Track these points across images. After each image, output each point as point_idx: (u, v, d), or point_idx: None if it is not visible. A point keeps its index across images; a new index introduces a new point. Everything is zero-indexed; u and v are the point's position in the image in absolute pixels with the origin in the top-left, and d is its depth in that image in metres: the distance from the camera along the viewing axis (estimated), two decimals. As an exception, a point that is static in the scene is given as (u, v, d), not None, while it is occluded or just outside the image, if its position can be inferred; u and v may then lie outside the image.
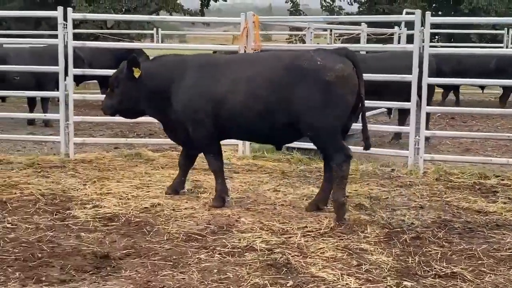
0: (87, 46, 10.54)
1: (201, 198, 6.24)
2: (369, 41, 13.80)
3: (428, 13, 7.59)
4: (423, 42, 7.70)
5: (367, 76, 8.11)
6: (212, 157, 6.08)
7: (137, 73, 6.04)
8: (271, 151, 8.59)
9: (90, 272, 4.22)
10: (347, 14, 27.35)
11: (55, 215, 5.56)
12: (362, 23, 12.87)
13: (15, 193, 6.23)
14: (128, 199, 6.13)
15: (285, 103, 5.53)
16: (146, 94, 6.10)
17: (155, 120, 6.71)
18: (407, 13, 16.17)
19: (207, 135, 5.95)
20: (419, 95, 7.74)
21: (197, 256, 4.54)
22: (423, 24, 7.66)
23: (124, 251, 4.64)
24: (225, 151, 8.59)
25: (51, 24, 22.77)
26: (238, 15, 8.61)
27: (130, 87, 6.12)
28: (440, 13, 22.66)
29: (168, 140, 7.04)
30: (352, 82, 5.51)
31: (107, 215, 5.57)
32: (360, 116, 5.74)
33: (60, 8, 8.29)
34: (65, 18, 8.25)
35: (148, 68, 6.12)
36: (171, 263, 4.40)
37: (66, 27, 8.28)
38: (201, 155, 6.37)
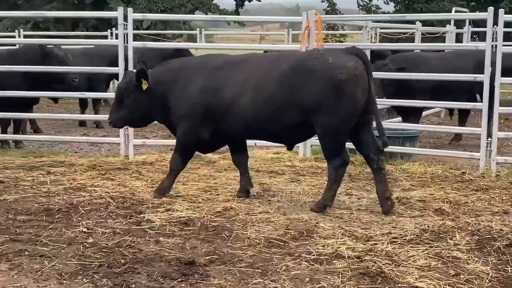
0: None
1: (272, 202, 6.09)
2: (423, 39, 13.49)
3: (501, 11, 7.31)
4: (494, 40, 7.41)
5: (436, 76, 7.94)
6: (181, 160, 6.19)
7: (145, 86, 6.04)
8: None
9: (178, 280, 4.08)
10: (384, 13, 26.95)
11: (129, 218, 5.46)
12: (417, 22, 12.58)
13: (84, 196, 6.16)
14: (199, 202, 6.00)
15: (297, 102, 5.57)
16: (157, 102, 6.09)
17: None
18: (456, 11, 15.88)
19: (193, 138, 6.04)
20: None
21: (284, 264, 4.38)
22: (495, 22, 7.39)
23: (207, 257, 4.49)
24: (284, 153, 8.54)
25: (88, 25, 23.16)
26: (266, 14, 8.47)
27: (141, 98, 6.10)
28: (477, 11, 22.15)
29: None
30: (363, 80, 5.55)
31: (182, 219, 5.44)
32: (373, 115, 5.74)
33: (121, 9, 8.23)
34: (125, 19, 8.20)
35: (156, 76, 6.11)
36: (260, 271, 4.24)
37: (127, 28, 8.21)
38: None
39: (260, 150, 8.64)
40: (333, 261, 4.43)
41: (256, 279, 4.11)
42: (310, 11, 8.33)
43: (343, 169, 5.73)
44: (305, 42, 8.32)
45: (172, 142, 8.68)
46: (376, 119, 5.75)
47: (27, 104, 9.17)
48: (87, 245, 4.73)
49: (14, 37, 17.96)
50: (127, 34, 8.20)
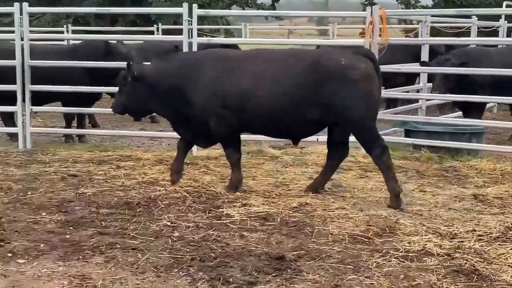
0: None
1: (347, 198, 6.09)
2: (479, 34, 13.29)
3: None
4: None
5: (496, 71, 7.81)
6: (232, 150, 6.31)
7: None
8: (395, 148, 8.36)
9: (273, 274, 4.12)
10: (423, 7, 26.59)
11: (209, 213, 5.52)
12: (473, 16, 12.40)
13: (160, 190, 6.24)
14: (273, 197, 6.03)
15: (311, 100, 5.75)
16: (157, 94, 6.20)
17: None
18: (507, 6, 15.61)
19: (228, 131, 6.15)
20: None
21: (373, 260, 4.38)
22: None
23: (295, 253, 4.52)
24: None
25: (126, 20, 23.24)
26: (295, 8, 8.50)
27: (138, 88, 6.24)
28: None
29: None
30: (375, 79, 5.80)
31: (260, 214, 5.48)
32: None
33: (186, 4, 8.29)
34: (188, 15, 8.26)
35: (161, 68, 6.25)
36: (351, 267, 4.25)
37: (191, 23, 8.28)
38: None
39: (321, 146, 8.63)
40: (423, 258, 4.42)
41: (349, 275, 4.12)
42: (374, 6, 8.27)
43: (386, 155, 5.87)
44: (369, 37, 8.28)
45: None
46: None
47: (91, 100, 9.32)
48: (175, 239, 4.80)
49: (62, 32, 18.28)
50: (191, 30, 8.27)
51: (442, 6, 24.61)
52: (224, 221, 5.28)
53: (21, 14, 8.61)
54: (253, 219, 5.34)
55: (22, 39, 8.62)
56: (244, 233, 4.98)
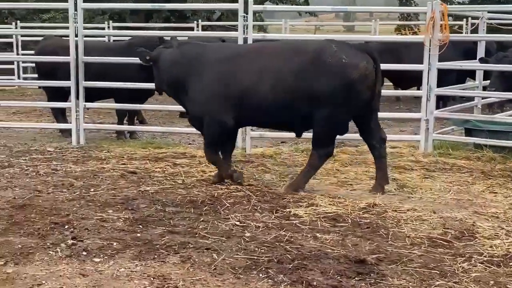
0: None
1: (415, 199, 5.93)
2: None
3: None
4: None
5: None
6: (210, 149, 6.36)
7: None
8: (455, 147, 8.16)
9: (356, 278, 3.98)
10: (459, 3, 26.13)
11: (276, 212, 5.39)
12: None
13: (222, 189, 6.14)
14: (339, 198, 5.89)
15: (306, 95, 5.77)
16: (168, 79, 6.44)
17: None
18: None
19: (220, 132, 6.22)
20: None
21: (458, 265, 4.21)
22: None
23: (374, 256, 4.37)
24: (400, 147, 8.34)
25: (161, 16, 23.17)
26: (319, 4, 8.27)
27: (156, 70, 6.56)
28: None
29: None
30: (371, 79, 5.78)
31: (329, 214, 5.34)
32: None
33: (241, 1, 8.18)
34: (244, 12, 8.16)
35: (169, 54, 6.41)
36: (437, 272, 4.09)
37: (247, 19, 8.17)
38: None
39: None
40: (510, 263, 4.23)
41: (437, 280, 3.96)
42: (435, 1, 8.05)
43: (325, 159, 6.09)
44: (429, 32, 8.06)
45: (288, 135, 8.62)
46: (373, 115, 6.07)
47: (144, 96, 9.27)
48: (247, 239, 4.69)
49: (103, 28, 18.32)
50: (247, 26, 8.16)
51: (479, 2, 24.03)
52: (294, 222, 5.15)
53: (75, 10, 8.59)
54: (323, 220, 5.20)
55: (76, 35, 8.61)
56: (317, 234, 4.84)
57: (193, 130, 9.50)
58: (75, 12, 8.59)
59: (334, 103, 5.76)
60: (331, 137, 6.01)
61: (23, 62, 17.45)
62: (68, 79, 8.70)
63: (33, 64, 17.55)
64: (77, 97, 8.67)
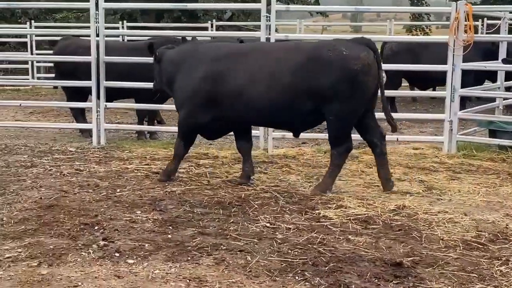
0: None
1: (445, 201, 5.88)
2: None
3: None
4: None
5: None
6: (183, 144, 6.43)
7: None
8: (479, 149, 8.09)
9: (394, 282, 3.93)
10: (475, 4, 25.83)
11: (305, 214, 5.35)
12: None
13: (248, 190, 6.10)
14: (367, 199, 5.83)
15: (311, 90, 5.75)
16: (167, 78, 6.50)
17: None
18: None
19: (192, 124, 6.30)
20: None
21: (496, 268, 4.15)
22: None
23: (409, 259, 4.31)
24: (423, 148, 8.27)
25: (172, 16, 23.09)
26: (326, 4, 8.20)
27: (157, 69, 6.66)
28: None
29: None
30: (374, 69, 5.80)
31: (359, 216, 5.28)
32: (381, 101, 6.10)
33: (264, 1, 8.14)
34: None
35: (169, 54, 6.50)
36: (475, 275, 4.03)
37: (269, 19, 8.12)
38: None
39: (400, 146, 8.42)
40: (549, 267, 4.17)
41: (476, 284, 3.91)
42: (459, 2, 7.98)
43: (346, 155, 6.05)
44: (453, 33, 8.00)
45: (310, 135, 8.57)
46: (383, 105, 6.09)
47: (165, 96, 9.23)
48: (279, 241, 4.64)
49: (117, 28, 18.31)
50: (269, 26, 8.12)
51: (491, 2, 23.78)
52: (324, 224, 5.10)
53: (96, 9, 8.57)
54: (353, 222, 5.15)
55: (97, 35, 8.59)
56: (349, 236, 4.79)
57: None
58: (97, 12, 8.57)
59: (342, 97, 5.74)
60: (346, 133, 5.96)
61: (38, 61, 17.56)
62: (88, 79, 8.69)
63: (47, 64, 17.82)
64: (98, 97, 8.65)
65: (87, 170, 6.96)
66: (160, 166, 7.17)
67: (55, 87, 11.80)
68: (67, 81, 9.14)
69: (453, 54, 8.08)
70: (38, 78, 17.03)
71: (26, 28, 17.72)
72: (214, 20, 19.77)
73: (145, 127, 9.25)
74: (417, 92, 12.47)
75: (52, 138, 9.34)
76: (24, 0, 11.29)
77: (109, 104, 8.85)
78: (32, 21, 18.51)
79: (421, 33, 25.86)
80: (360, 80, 5.72)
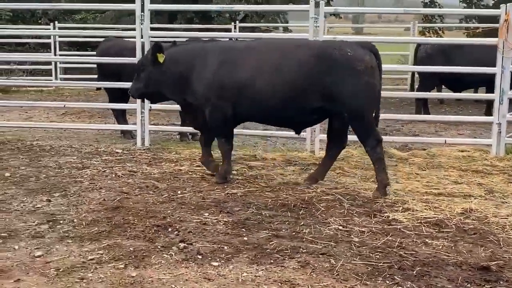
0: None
1: (510, 203, 5.81)
2: None
3: None
4: None
5: None
6: (224, 141, 6.46)
7: (161, 58, 6.45)
8: (528, 153, 8.02)
9: (486, 286, 3.89)
10: (485, 6, 25.68)
11: (374, 217, 5.31)
12: None
13: (310, 192, 6.07)
14: (431, 202, 5.78)
15: (316, 89, 5.90)
16: (169, 79, 6.46)
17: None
18: None
19: (223, 120, 6.30)
20: None
21: None
22: None
23: (493, 262, 4.27)
24: (469, 151, 8.21)
25: (186, 17, 23.02)
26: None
27: (154, 72, 6.50)
28: None
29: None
30: (376, 73, 5.97)
31: (429, 219, 5.24)
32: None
33: (312, 2, 8.11)
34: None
35: (172, 54, 6.48)
36: None
37: (317, 21, 8.09)
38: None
39: (448, 148, 8.37)
40: None
41: None
42: (509, 4, 7.92)
43: (380, 147, 6.07)
44: (503, 36, 7.94)
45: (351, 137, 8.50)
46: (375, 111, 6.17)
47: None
48: (357, 244, 4.61)
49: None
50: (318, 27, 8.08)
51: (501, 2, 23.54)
52: (397, 227, 5.06)
53: (142, 11, 8.57)
54: (425, 225, 5.10)
55: (142, 37, 8.59)
56: (426, 240, 4.75)
57: (254, 131, 9.54)
58: (142, 14, 8.57)
59: (350, 96, 5.89)
60: (369, 127, 6.05)
61: (61, 62, 17.64)
62: (132, 80, 8.65)
63: (68, 65, 17.92)
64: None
65: (141, 171, 6.95)
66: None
67: (98, 88, 11.75)
68: (110, 83, 9.11)
69: (502, 57, 8.02)
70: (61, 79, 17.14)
71: (49, 29, 17.72)
72: (237, 22, 19.78)
73: (188, 129, 9.20)
74: (463, 94, 12.38)
75: (94, 139, 9.33)
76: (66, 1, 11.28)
77: (154, 106, 8.83)
78: (56, 22, 18.54)
79: (434, 35, 25.73)
80: (364, 80, 5.88)
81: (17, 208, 5.47)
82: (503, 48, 7.98)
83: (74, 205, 5.57)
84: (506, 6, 7.92)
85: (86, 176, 6.73)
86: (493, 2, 26.21)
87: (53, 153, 8.07)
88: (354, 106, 5.93)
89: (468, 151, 8.34)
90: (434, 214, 5.39)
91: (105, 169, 7.05)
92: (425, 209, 5.54)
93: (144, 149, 8.39)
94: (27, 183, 6.41)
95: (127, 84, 8.70)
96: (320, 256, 4.34)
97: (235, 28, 18.97)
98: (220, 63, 6.27)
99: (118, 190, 6.08)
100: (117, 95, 9.36)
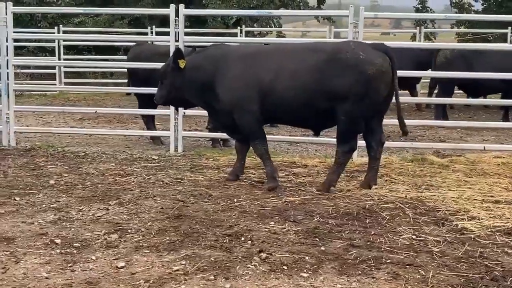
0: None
1: None
2: None
3: None
4: None
5: None
6: (258, 143, 6.49)
7: (182, 64, 6.51)
8: None
9: None
10: (476, 12, 25.76)
11: (442, 226, 5.24)
12: None
13: (367, 200, 5.98)
14: (492, 210, 5.72)
15: (326, 91, 6.00)
16: (192, 84, 6.52)
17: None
18: None
19: (252, 122, 6.39)
20: None
21: None
22: None
23: None
24: (503, 157, 8.18)
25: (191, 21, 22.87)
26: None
27: (177, 78, 6.56)
28: None
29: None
30: (387, 76, 6.03)
31: (499, 228, 5.17)
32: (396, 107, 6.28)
33: (352, 8, 8.05)
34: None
35: (193, 60, 6.57)
36: None
37: (357, 27, 8.03)
38: None
39: (487, 154, 8.31)
40: None
41: None
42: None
43: (350, 154, 6.39)
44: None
45: (389, 144, 8.46)
46: (398, 112, 6.29)
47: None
48: (438, 254, 4.53)
49: (146, 34, 18.13)
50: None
51: (494, 11, 23.48)
52: (470, 236, 4.99)
53: (176, 16, 8.47)
54: (498, 234, 5.04)
55: (177, 41, 8.48)
56: (505, 249, 4.68)
57: (288, 137, 9.46)
58: (176, 18, 8.47)
59: (353, 98, 5.95)
60: (353, 133, 6.21)
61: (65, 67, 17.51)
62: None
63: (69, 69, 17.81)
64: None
65: (186, 179, 6.83)
66: (257, 174, 7.07)
67: (128, 94, 11.62)
68: (141, 88, 8.98)
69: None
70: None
71: (54, 32, 17.46)
72: (243, 26, 19.71)
73: (219, 135, 9.09)
74: (488, 100, 12.39)
75: (124, 145, 9.21)
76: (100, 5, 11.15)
77: (188, 111, 8.72)
78: (61, 26, 18.31)
79: (425, 40, 25.81)
80: (372, 85, 5.95)
81: (77, 217, 5.34)
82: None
83: (134, 213, 5.45)
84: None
85: (133, 183, 6.61)
86: (482, 7, 26.32)
87: (89, 159, 7.95)
88: (353, 108, 6.01)
89: (504, 157, 8.30)
90: (502, 222, 5.33)
91: (150, 176, 6.93)
92: (490, 217, 5.48)
93: (179, 156, 8.28)
94: (76, 190, 6.28)
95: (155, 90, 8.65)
96: (407, 266, 4.26)
97: (241, 32, 18.88)
98: (245, 67, 6.35)
99: (173, 198, 5.96)
100: (147, 101, 9.24)
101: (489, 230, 5.13)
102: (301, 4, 26.65)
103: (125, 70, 10.89)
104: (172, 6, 8.49)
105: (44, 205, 5.71)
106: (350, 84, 5.97)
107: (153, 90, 8.49)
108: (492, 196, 6.26)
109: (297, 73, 6.16)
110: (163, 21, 22.89)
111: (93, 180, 6.72)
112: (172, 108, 8.59)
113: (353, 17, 8.02)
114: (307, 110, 6.21)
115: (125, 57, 11.30)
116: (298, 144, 9.56)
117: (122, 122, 11.75)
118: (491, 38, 19.31)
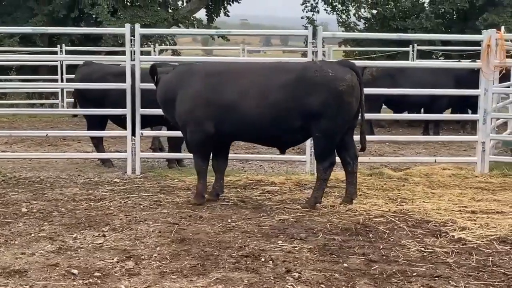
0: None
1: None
2: None
3: None
4: None
5: None
6: (200, 159, 6.62)
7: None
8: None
9: None
10: (360, 31, 26.28)
11: (440, 237, 5.43)
12: None
13: (356, 215, 6.10)
14: (475, 220, 5.99)
15: (299, 110, 6.15)
16: (160, 99, 6.77)
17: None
18: None
19: (202, 139, 6.49)
20: None
21: None
22: None
23: None
24: (449, 169, 8.61)
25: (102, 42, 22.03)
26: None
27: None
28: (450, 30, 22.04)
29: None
30: (357, 90, 6.24)
31: (492, 237, 5.42)
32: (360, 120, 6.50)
33: (310, 28, 8.22)
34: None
35: (164, 77, 6.76)
36: None
37: (316, 46, 8.20)
38: None
39: (435, 166, 8.66)
40: None
41: None
42: (491, 30, 8.46)
43: (331, 169, 6.47)
44: (485, 60, 8.46)
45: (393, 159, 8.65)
46: (361, 127, 6.54)
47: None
48: (455, 265, 4.70)
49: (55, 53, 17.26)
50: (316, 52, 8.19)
51: (377, 29, 23.68)
52: (471, 246, 5.20)
53: (132, 35, 8.28)
54: (494, 243, 5.28)
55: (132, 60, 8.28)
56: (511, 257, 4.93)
57: (246, 156, 9.39)
58: (132, 38, 8.27)
59: (328, 115, 6.12)
60: (330, 149, 6.36)
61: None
62: (117, 106, 8.34)
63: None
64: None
65: (166, 201, 6.66)
66: (238, 194, 7.01)
67: (75, 115, 11.08)
68: (103, 109, 8.55)
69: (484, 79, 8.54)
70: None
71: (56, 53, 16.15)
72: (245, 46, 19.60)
73: (177, 155, 8.91)
74: (448, 116, 12.89)
75: (74, 168, 8.80)
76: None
77: (146, 132, 8.50)
78: (63, 45, 16.84)
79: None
80: (344, 100, 6.12)
81: (77, 245, 5.05)
82: (485, 71, 8.50)
83: (135, 239, 5.24)
84: (488, 32, 8.46)
85: (112, 208, 6.36)
86: (364, 27, 26.44)
87: (48, 185, 7.54)
88: (329, 125, 6.18)
89: (450, 169, 8.71)
90: (491, 232, 5.59)
91: (125, 200, 6.70)
92: (478, 227, 5.73)
93: (141, 178, 8.04)
94: (55, 218, 5.96)
95: (105, 111, 8.38)
96: (436, 278, 4.38)
97: (243, 51, 18.34)
98: (206, 85, 6.42)
99: (165, 222, 5.80)
100: (97, 123, 8.92)
101: (485, 239, 5.37)
102: (195, 22, 26.27)
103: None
104: (127, 25, 8.30)
105: (32, 234, 5.36)
106: (323, 102, 6.11)
107: (97, 111, 8.24)
108: (465, 207, 6.55)
109: (265, 92, 6.24)
110: (50, 39, 21.92)
111: (66, 206, 6.39)
112: (129, 128, 8.34)
113: (312, 37, 8.19)
114: (275, 128, 6.31)
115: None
116: (250, 162, 9.56)
117: (53, 145, 11.23)
118: (374, 55, 19.52)
